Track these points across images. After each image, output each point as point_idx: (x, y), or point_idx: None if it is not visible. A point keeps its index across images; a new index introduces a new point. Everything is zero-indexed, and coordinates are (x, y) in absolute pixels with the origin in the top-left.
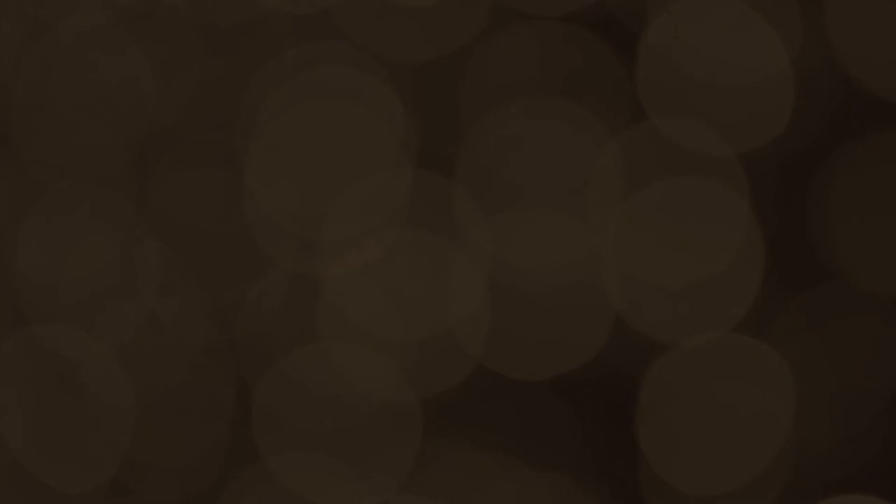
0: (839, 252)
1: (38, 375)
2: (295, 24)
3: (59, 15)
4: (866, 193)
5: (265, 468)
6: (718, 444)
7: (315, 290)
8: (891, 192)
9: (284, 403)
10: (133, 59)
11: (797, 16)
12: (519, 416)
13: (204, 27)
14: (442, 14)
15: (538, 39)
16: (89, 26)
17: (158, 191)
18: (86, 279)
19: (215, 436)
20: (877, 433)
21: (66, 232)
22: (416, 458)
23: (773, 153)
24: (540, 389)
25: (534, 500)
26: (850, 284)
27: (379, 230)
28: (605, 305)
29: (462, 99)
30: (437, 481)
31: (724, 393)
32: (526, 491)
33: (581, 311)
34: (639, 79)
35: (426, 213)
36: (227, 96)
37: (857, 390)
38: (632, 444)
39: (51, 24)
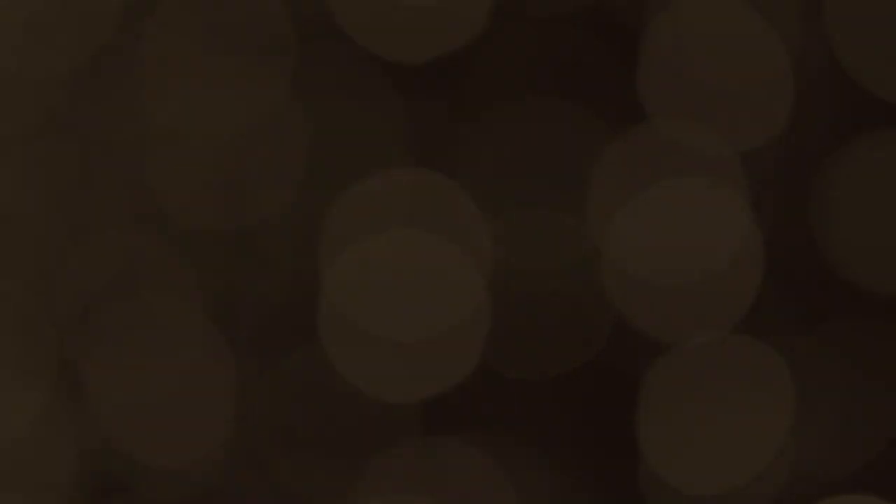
0: (839, 251)
1: (38, 375)
2: (295, 24)
3: (58, 14)
4: (866, 193)
5: (265, 468)
6: (718, 444)
7: (315, 290)
8: (891, 192)
9: (284, 403)
10: (133, 59)
11: (797, 16)
12: (519, 416)
13: (204, 28)
14: (442, 14)
15: (538, 39)
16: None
17: (158, 190)
18: (86, 279)
19: (215, 436)
20: (877, 433)
21: (63, 232)
22: (416, 458)
23: (773, 153)
24: (540, 389)
25: (534, 500)
26: (850, 284)
27: (379, 230)
28: (605, 305)
29: (462, 99)
30: (437, 481)
31: (724, 393)
32: (526, 491)
33: (581, 311)
34: (639, 79)
35: (426, 213)
36: (227, 96)
37: (857, 390)
38: (632, 444)
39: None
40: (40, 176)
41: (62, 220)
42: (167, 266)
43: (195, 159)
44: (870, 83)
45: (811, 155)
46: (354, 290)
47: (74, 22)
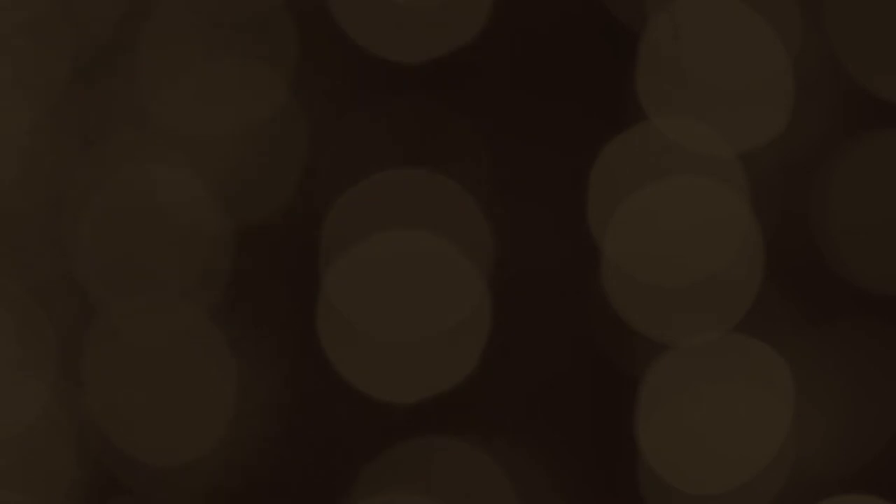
0: (839, 251)
1: (39, 375)
2: (295, 24)
3: (56, 15)
4: (866, 193)
5: (265, 468)
6: (718, 444)
7: (315, 289)
8: (891, 192)
9: (285, 403)
10: (133, 59)
11: (797, 16)
12: (518, 415)
13: (204, 27)
14: (442, 14)
15: (538, 40)
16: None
17: (158, 190)
18: (86, 279)
19: (215, 436)
20: (877, 433)
21: (64, 232)
22: (416, 458)
23: (773, 153)
24: (540, 389)
25: (534, 500)
26: (850, 284)
27: (379, 230)
28: (605, 305)
29: (462, 98)
30: (438, 481)
31: (724, 393)
32: (525, 491)
33: (581, 310)
34: (639, 79)
35: (426, 212)
36: (226, 96)
37: (857, 390)
38: (632, 444)
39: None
40: (41, 175)
41: (63, 220)
42: (167, 266)
43: (195, 159)
44: (870, 83)
45: (811, 155)
46: (354, 290)
47: (74, 22)
